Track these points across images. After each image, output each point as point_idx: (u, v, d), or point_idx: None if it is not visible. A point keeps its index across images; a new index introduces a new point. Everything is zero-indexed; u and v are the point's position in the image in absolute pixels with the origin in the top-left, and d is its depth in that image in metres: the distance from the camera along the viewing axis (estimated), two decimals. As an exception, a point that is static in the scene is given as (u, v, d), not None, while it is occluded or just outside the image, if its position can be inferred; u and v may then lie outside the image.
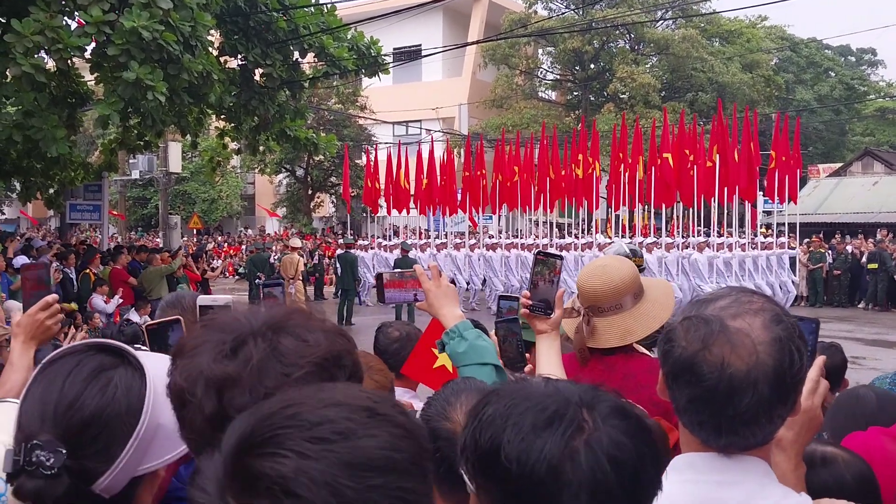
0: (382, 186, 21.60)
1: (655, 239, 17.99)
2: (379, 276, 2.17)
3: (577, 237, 19.64)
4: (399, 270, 2.25)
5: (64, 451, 1.13)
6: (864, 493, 1.62)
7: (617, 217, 20.36)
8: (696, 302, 1.35)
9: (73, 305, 12.19)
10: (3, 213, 40.35)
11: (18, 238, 18.76)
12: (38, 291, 2.16)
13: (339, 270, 19.16)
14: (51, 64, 10.18)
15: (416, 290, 2.15)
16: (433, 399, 1.78)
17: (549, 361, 2.16)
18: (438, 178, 20.88)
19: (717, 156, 16.54)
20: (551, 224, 20.93)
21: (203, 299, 1.91)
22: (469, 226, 22.16)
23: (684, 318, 1.31)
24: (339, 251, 20.02)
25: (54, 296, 2.16)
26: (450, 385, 1.83)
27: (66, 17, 9.99)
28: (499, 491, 1.03)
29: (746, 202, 17.73)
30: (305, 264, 21.32)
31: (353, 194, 24.03)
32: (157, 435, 1.22)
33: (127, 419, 1.19)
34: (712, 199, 17.11)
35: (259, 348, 1.04)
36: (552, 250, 17.66)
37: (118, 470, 1.17)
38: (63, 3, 9.64)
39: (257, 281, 18.78)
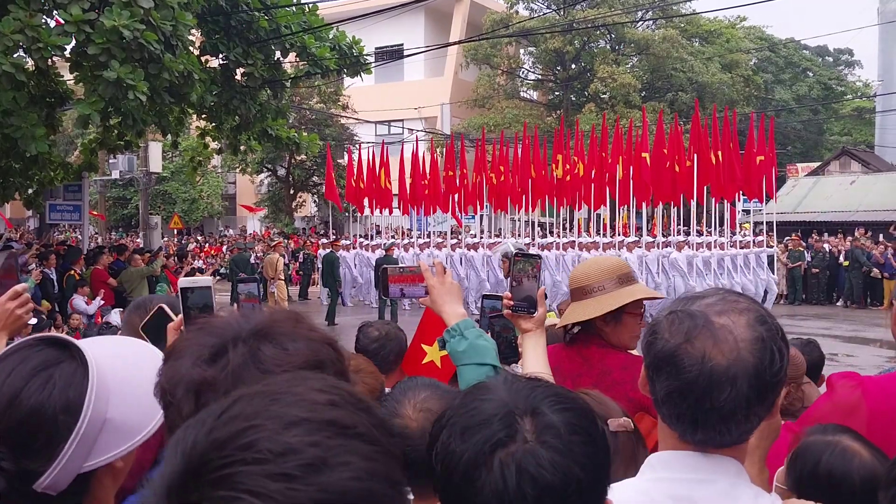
0: (364, 185, 21.58)
1: (636, 238, 18.11)
2: (384, 271, 2.17)
3: (559, 236, 19.74)
4: (403, 266, 2.26)
5: None
6: (869, 498, 1.60)
7: (598, 216, 20.46)
8: (683, 299, 1.36)
9: (47, 304, 12.11)
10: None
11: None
12: (7, 281, 2.09)
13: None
14: (30, 63, 10.09)
15: (419, 286, 2.13)
16: (386, 399, 1.83)
17: (535, 359, 2.19)
18: (424, 177, 20.89)
19: (696, 155, 16.65)
20: (533, 223, 21.00)
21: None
22: (453, 224, 22.18)
23: (670, 312, 1.33)
24: (324, 251, 19.99)
25: (24, 285, 2.10)
26: (400, 384, 1.88)
27: (45, 16, 9.89)
28: (437, 491, 1.03)
29: (726, 201, 17.89)
30: (286, 264, 21.26)
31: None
32: (103, 430, 1.20)
33: (65, 417, 1.16)
34: (692, 199, 17.25)
35: (238, 354, 1.06)
36: (533, 250, 17.75)
37: (59, 468, 1.15)
38: (43, 1, 9.55)
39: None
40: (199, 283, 1.88)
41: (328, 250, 18.99)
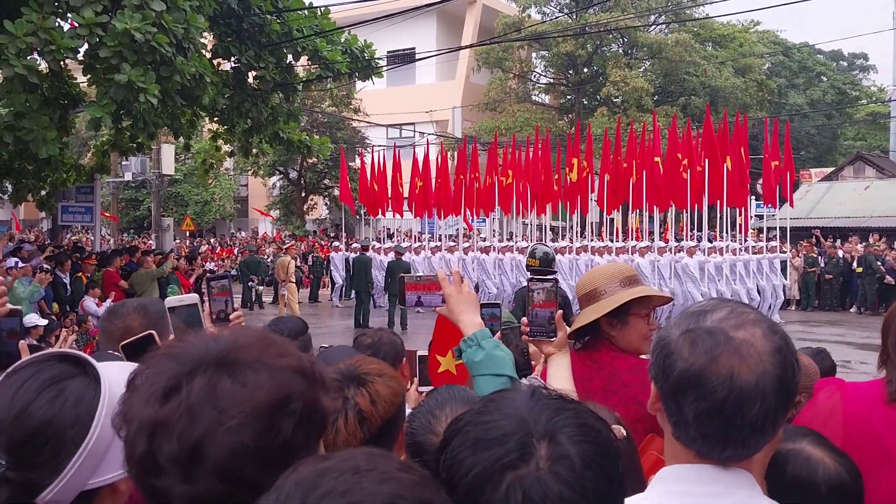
0: (378, 188, 21.62)
1: (648, 243, 18.02)
2: (401, 279, 2.16)
3: (571, 241, 19.66)
4: (420, 274, 2.26)
5: (3, 463, 1.11)
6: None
7: (610, 221, 20.36)
8: (691, 314, 1.33)
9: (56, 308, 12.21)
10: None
11: (6, 239, 18.66)
12: None
13: (352, 273, 19.10)
14: (43, 65, 10.15)
15: (436, 294, 2.11)
16: (417, 411, 1.78)
17: (560, 379, 2.18)
18: (433, 181, 20.90)
19: (707, 160, 16.54)
20: (543, 227, 20.93)
21: (170, 301, 1.95)
22: (463, 228, 22.17)
23: (685, 332, 1.29)
24: (351, 254, 20.02)
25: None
26: (434, 395, 1.83)
27: (58, 19, 9.94)
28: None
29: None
30: (298, 267, 21.31)
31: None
32: (112, 447, 1.18)
33: (74, 431, 1.16)
34: (704, 204, 17.14)
35: (194, 390, 1.00)
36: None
37: (63, 483, 1.14)
38: (56, 4, 9.61)
39: (249, 281, 18.73)
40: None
41: (358, 253, 18.96)
